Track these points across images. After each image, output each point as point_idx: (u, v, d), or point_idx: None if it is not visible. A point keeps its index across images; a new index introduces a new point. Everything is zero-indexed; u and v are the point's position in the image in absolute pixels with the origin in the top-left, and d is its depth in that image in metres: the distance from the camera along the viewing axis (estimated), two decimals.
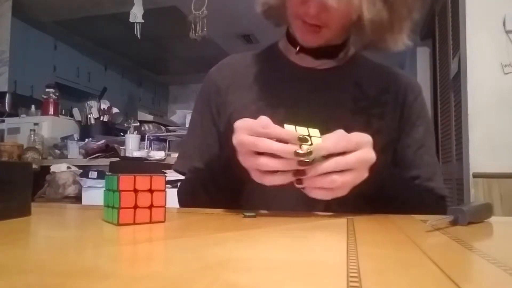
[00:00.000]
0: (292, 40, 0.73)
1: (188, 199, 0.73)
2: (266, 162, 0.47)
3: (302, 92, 0.71)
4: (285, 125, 0.48)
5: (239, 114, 0.70)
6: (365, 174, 0.49)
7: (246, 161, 0.49)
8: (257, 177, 0.50)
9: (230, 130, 0.52)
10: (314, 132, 0.48)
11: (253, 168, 0.49)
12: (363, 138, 0.49)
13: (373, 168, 0.50)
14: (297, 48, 0.72)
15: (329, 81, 0.71)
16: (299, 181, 0.48)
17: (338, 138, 0.48)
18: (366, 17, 0.59)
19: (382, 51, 0.69)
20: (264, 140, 0.47)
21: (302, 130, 0.47)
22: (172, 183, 1.53)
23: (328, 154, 0.47)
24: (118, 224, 0.41)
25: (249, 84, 0.73)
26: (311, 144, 0.46)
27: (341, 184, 0.48)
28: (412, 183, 0.68)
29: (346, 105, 0.69)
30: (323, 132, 0.49)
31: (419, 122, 0.71)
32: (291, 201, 0.63)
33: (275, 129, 0.47)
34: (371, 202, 0.57)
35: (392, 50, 0.68)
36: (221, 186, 0.63)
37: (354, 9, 0.58)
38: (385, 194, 0.57)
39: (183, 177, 0.78)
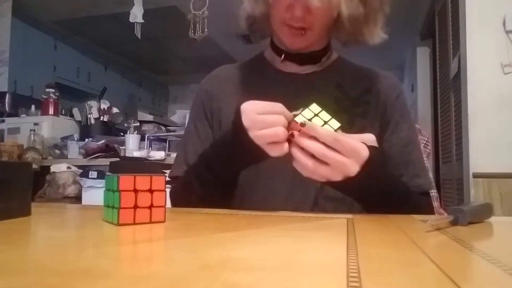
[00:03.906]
0: (276, 49, 0.77)
1: (180, 195, 0.73)
2: (261, 132, 0.52)
3: (287, 96, 0.73)
4: (312, 105, 0.53)
5: (228, 120, 0.72)
6: (337, 178, 0.52)
7: (262, 137, 0.53)
8: (270, 150, 0.54)
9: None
10: (333, 123, 0.53)
11: (266, 142, 0.53)
12: (359, 151, 0.52)
13: (365, 169, 0.52)
14: (282, 56, 0.76)
15: (313, 84, 0.74)
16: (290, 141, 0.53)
17: (335, 135, 0.51)
18: (345, 12, 0.64)
19: (362, 45, 0.74)
20: (280, 117, 0.53)
21: (325, 116, 0.53)
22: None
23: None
24: (118, 224, 0.41)
25: (237, 91, 0.77)
26: (310, 119, 0.52)
27: (312, 169, 0.52)
28: (400, 180, 0.69)
29: (329, 106, 0.70)
30: None
31: (402, 120, 0.73)
32: (280, 201, 0.67)
33: (279, 107, 0.54)
34: (358, 199, 0.60)
35: (370, 43, 0.73)
36: (215, 177, 0.63)
37: (334, 7, 0.64)
38: (374, 192, 0.58)
39: None
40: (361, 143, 0.52)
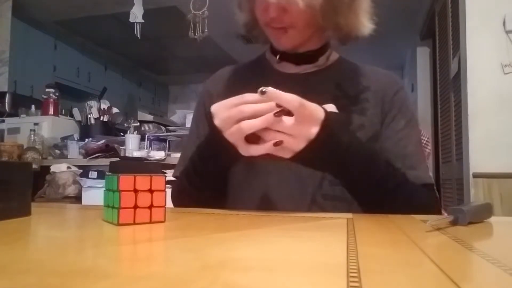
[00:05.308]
0: (274, 50, 0.78)
1: (176, 196, 0.75)
2: (249, 122, 0.50)
3: None
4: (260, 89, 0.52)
5: None
6: (301, 145, 0.52)
7: (232, 134, 0.52)
8: (243, 150, 0.53)
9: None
10: None
11: (239, 139, 0.52)
12: (316, 114, 0.53)
13: (324, 129, 0.53)
14: (278, 57, 0.76)
15: (311, 83, 0.74)
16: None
17: (301, 99, 0.51)
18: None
19: (354, 39, 0.74)
20: (247, 105, 0.51)
21: None
22: (172, 183, 1.53)
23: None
24: (118, 224, 0.41)
25: (236, 92, 0.76)
26: None
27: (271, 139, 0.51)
28: (382, 156, 0.66)
29: (327, 103, 0.70)
30: None
31: (400, 116, 0.73)
32: (277, 199, 0.67)
33: (249, 96, 0.52)
34: (354, 189, 0.61)
35: (359, 35, 0.72)
36: (205, 174, 0.64)
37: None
38: (343, 160, 0.58)
39: None
40: (316, 105, 0.53)
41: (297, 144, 0.52)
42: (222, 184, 0.68)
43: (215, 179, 0.65)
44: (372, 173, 0.59)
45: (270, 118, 0.50)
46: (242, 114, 0.51)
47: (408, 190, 0.64)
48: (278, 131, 0.51)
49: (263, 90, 0.50)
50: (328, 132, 0.53)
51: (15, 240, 0.35)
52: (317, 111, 0.53)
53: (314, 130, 0.52)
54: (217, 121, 0.53)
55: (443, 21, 2.76)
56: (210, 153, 0.60)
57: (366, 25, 0.71)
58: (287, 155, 0.53)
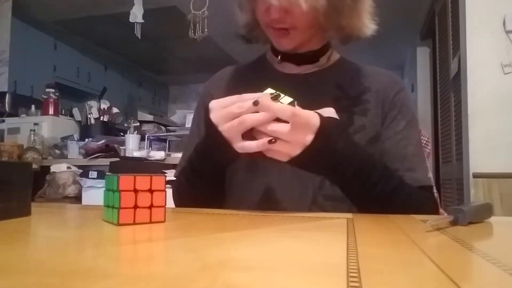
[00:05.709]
0: (274, 51, 0.78)
1: (176, 196, 0.75)
2: (253, 115, 0.51)
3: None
4: (265, 91, 0.53)
5: None
6: (297, 151, 0.53)
7: (233, 127, 0.52)
8: (238, 146, 0.53)
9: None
10: (286, 99, 0.52)
11: (237, 134, 0.53)
12: (311, 122, 0.53)
13: (319, 136, 0.53)
14: (279, 57, 0.76)
15: (312, 83, 0.74)
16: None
17: (293, 109, 0.51)
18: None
19: (355, 40, 0.74)
20: (246, 102, 0.52)
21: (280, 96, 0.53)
22: (172, 183, 1.53)
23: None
24: (118, 224, 0.41)
25: (238, 92, 0.77)
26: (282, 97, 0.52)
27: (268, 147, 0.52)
28: (394, 172, 0.67)
29: (328, 105, 0.70)
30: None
31: (400, 116, 0.72)
32: (278, 200, 0.67)
33: (248, 96, 0.52)
34: (350, 191, 0.61)
35: (361, 36, 0.72)
36: (202, 173, 0.65)
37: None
38: (341, 165, 0.58)
39: None
40: (312, 112, 0.53)
41: (293, 150, 0.53)
42: (220, 183, 0.68)
43: (212, 178, 0.65)
44: (367, 177, 0.59)
45: (272, 114, 0.50)
46: (240, 109, 0.52)
47: (405, 193, 0.64)
48: (275, 137, 0.52)
49: (257, 100, 0.51)
50: (323, 140, 0.53)
51: (15, 240, 0.35)
52: (312, 119, 0.53)
53: (309, 137, 0.52)
54: (212, 116, 0.54)
55: (443, 21, 2.76)
56: (206, 151, 0.60)
57: (368, 25, 0.71)
58: (283, 159, 0.54)
